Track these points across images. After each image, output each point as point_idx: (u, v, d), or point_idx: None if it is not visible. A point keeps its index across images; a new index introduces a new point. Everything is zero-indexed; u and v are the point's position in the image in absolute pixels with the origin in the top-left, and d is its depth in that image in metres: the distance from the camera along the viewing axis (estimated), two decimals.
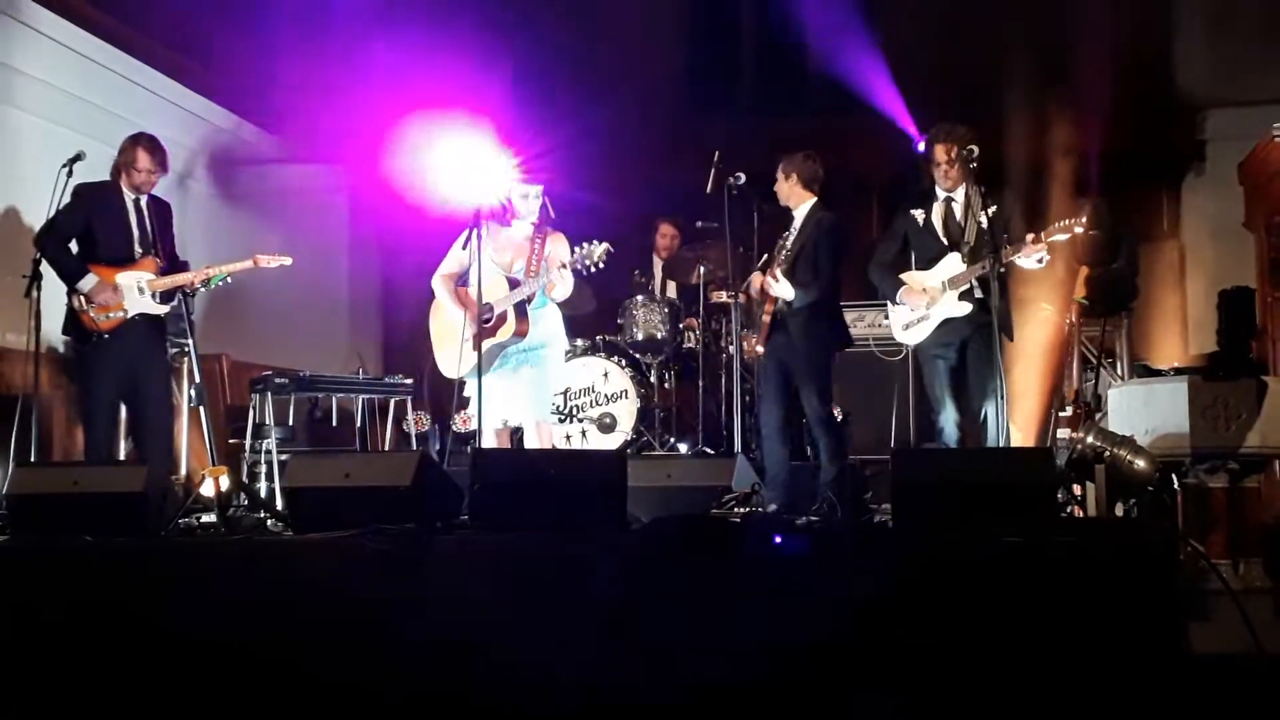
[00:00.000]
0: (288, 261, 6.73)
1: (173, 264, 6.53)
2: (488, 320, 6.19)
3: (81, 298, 6.23)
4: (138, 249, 6.41)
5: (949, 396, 6.21)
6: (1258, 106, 9.16)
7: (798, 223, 6.58)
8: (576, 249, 6.17)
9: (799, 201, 6.60)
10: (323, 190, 10.74)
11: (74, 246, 6.37)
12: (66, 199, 6.26)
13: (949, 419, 6.20)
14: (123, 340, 6.31)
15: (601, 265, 6.15)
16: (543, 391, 6.39)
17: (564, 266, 6.15)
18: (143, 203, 6.47)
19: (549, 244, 6.31)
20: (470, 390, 6.33)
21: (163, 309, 6.41)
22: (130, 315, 6.30)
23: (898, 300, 6.33)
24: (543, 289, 6.23)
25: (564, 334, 6.57)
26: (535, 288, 6.19)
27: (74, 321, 6.30)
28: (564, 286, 6.24)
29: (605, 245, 6.13)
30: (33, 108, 8.73)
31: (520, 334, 6.21)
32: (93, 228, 6.36)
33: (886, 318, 6.75)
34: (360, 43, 9.83)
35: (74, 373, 6.51)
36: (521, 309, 6.21)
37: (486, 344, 6.14)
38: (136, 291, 6.31)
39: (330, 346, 10.00)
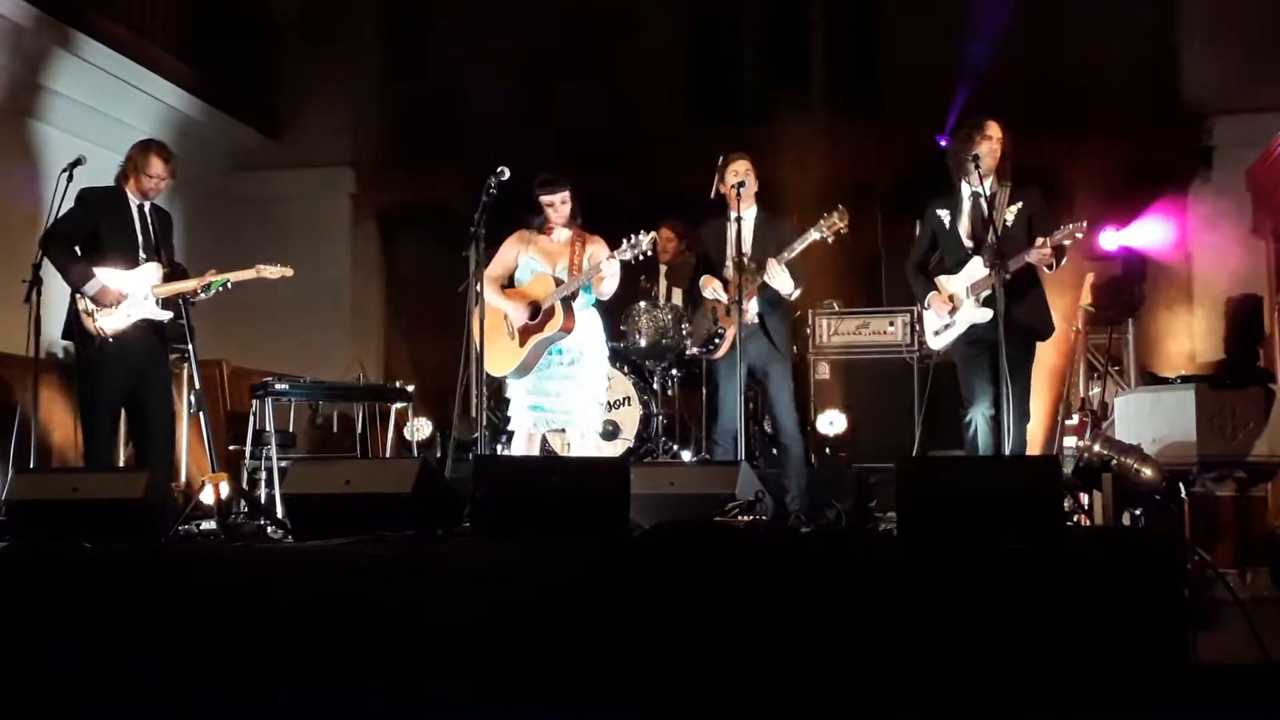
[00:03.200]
0: (289, 272, 6.73)
1: (173, 271, 6.51)
2: (536, 315, 6.27)
3: (87, 301, 6.21)
4: (142, 254, 6.38)
5: (983, 394, 6.09)
6: (1265, 114, 9.15)
7: (749, 224, 6.61)
8: (625, 240, 6.26)
9: (750, 204, 6.64)
10: (324, 195, 10.74)
11: (78, 250, 6.35)
12: (68, 203, 6.24)
13: (980, 413, 6.09)
14: (125, 345, 6.27)
15: (650, 253, 6.31)
16: (590, 401, 6.47)
17: (611, 256, 6.24)
18: (146, 209, 6.46)
19: (589, 246, 6.40)
20: (509, 390, 6.41)
21: (165, 315, 6.38)
22: (133, 320, 6.28)
23: (926, 305, 6.26)
24: (588, 287, 6.32)
25: (604, 342, 6.63)
26: (579, 284, 6.28)
27: (76, 325, 6.26)
28: (612, 280, 6.31)
29: (652, 235, 6.27)
30: (36, 113, 8.75)
31: (566, 329, 6.27)
32: (99, 232, 6.32)
33: (891, 324, 6.72)
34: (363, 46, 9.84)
35: (75, 377, 6.48)
36: (568, 305, 6.29)
37: (533, 340, 6.26)
38: (140, 296, 6.29)
39: (331, 353, 9.99)
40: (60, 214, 6.26)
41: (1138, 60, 9.74)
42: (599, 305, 6.54)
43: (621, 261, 6.27)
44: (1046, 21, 9.91)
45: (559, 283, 6.30)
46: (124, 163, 6.42)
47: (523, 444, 6.36)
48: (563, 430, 6.58)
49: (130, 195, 6.39)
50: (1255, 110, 9.40)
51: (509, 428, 6.50)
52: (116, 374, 6.29)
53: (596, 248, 6.39)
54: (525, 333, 6.28)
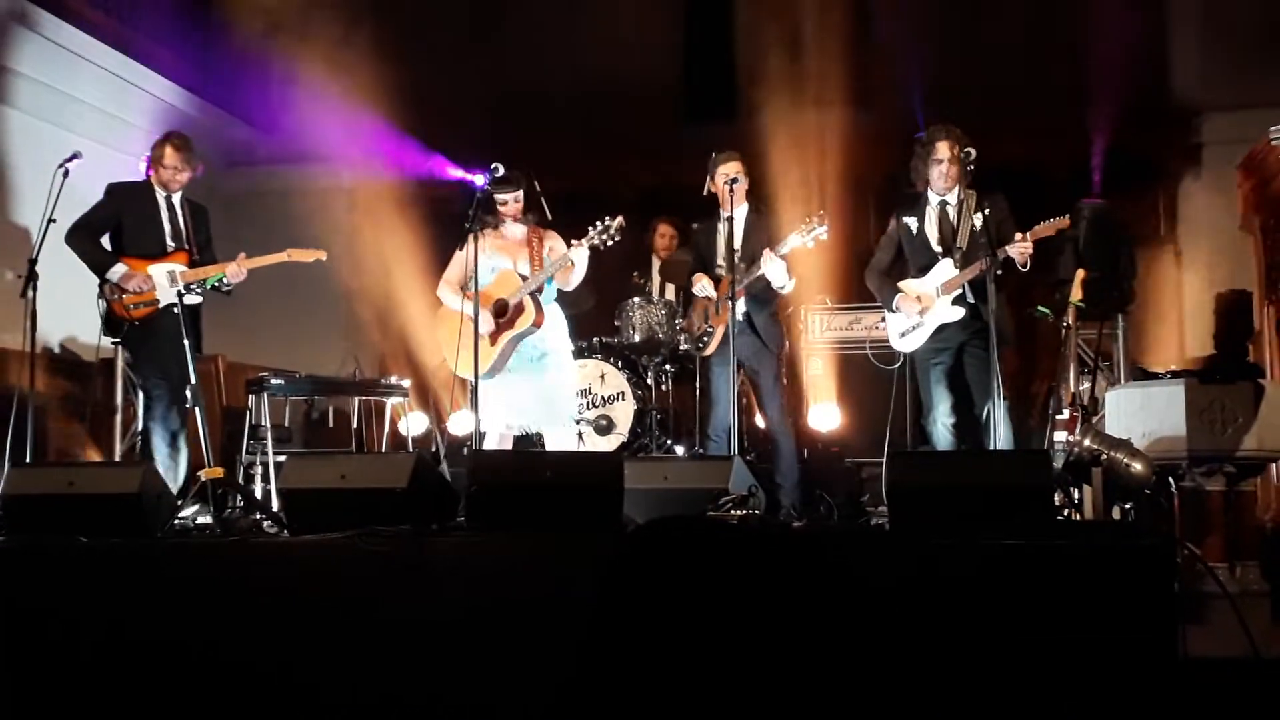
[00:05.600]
0: (323, 255, 6.76)
1: (204, 261, 6.59)
2: (504, 314, 6.29)
3: (113, 286, 6.30)
4: (170, 243, 6.53)
5: (941, 400, 6.23)
6: (1254, 110, 9.17)
7: (740, 223, 6.66)
8: (591, 228, 6.31)
9: (741, 203, 6.68)
10: (319, 191, 10.72)
11: (104, 242, 6.46)
12: (65, 198, 6.25)
13: (939, 421, 6.22)
14: (155, 329, 6.38)
15: (618, 239, 6.34)
16: (561, 400, 6.51)
17: (579, 243, 6.27)
18: (175, 200, 6.59)
19: (546, 240, 6.47)
20: (481, 390, 6.38)
21: (195, 299, 6.47)
22: (162, 305, 6.37)
23: (894, 308, 6.35)
24: (550, 280, 6.36)
25: (569, 338, 6.66)
26: (543, 278, 6.33)
27: (106, 315, 6.40)
28: (580, 268, 6.35)
29: (619, 219, 6.31)
30: (30, 108, 8.74)
31: (538, 324, 6.33)
32: (124, 224, 6.49)
33: (883, 320, 6.75)
34: (357, 43, 9.82)
35: (129, 367, 6.69)
36: (536, 299, 6.34)
37: (505, 337, 6.29)
38: (168, 282, 6.37)
39: (326, 348, 10.00)
40: (89, 207, 6.41)
41: (1127, 56, 9.74)
42: (561, 302, 6.58)
43: (590, 247, 6.31)
44: (1037, 18, 9.94)
45: (523, 278, 6.33)
46: (149, 153, 6.58)
47: (494, 444, 6.36)
48: (537, 434, 6.62)
49: (156, 188, 6.53)
50: (1244, 107, 9.43)
51: (481, 428, 6.50)
52: (158, 351, 6.39)
53: (555, 242, 6.45)
54: (496, 331, 6.30)
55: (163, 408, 6.40)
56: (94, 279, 6.42)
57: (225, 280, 6.50)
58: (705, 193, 6.79)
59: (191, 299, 6.44)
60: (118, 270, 6.33)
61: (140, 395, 6.60)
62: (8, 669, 4.35)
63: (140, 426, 6.60)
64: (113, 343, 6.63)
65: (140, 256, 6.41)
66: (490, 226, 6.42)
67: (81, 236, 6.38)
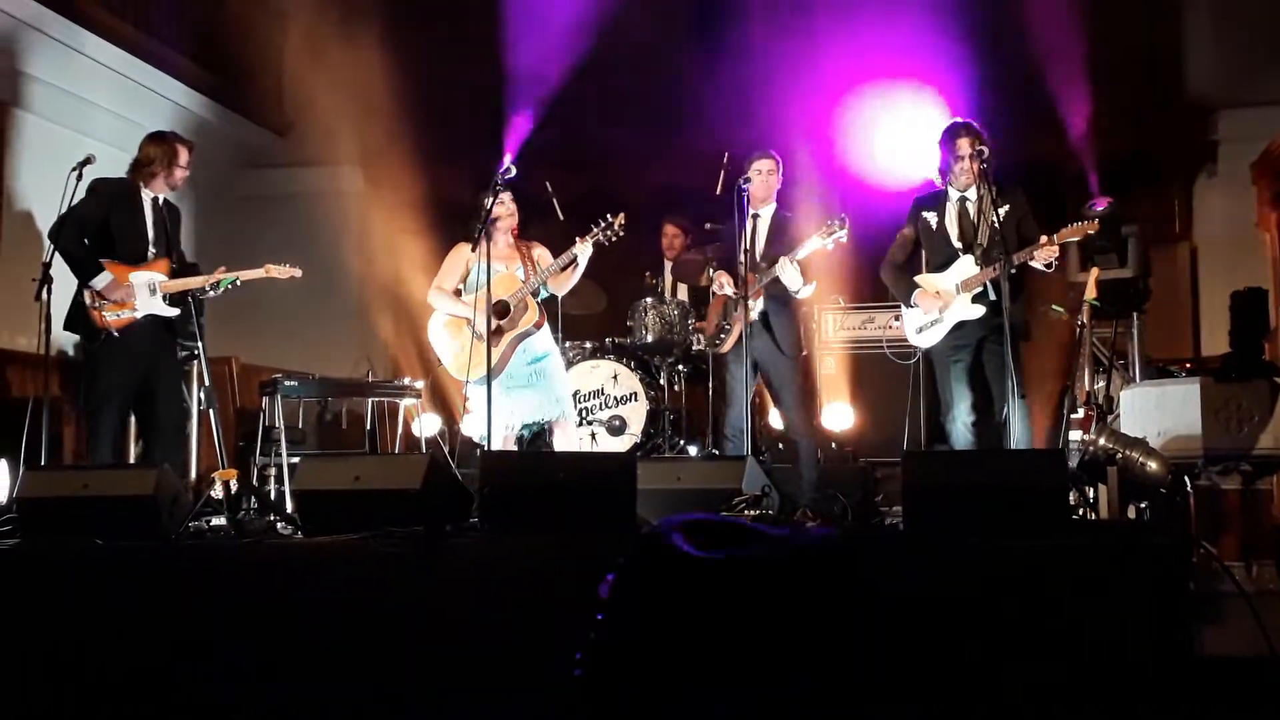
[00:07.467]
0: (298, 273, 6.72)
1: (183, 268, 6.51)
2: (505, 314, 6.32)
3: (94, 294, 6.20)
4: (152, 249, 6.37)
5: (961, 398, 6.19)
6: (1270, 107, 9.15)
7: (766, 222, 6.65)
8: (594, 224, 6.36)
9: (770, 200, 6.67)
10: (333, 193, 10.75)
11: (87, 242, 6.35)
12: (72, 201, 6.23)
13: (959, 420, 6.19)
14: (131, 340, 6.26)
15: (622, 233, 6.36)
16: (561, 392, 6.58)
17: (583, 240, 6.32)
18: (161, 202, 6.45)
19: (534, 250, 6.55)
20: (482, 393, 6.38)
21: (172, 311, 6.35)
22: (140, 316, 6.27)
23: (912, 303, 6.32)
24: (543, 284, 6.43)
25: (553, 340, 6.74)
26: (539, 281, 6.40)
27: (82, 319, 6.23)
28: (582, 264, 6.39)
29: (621, 216, 6.35)
30: (44, 112, 8.77)
31: (539, 325, 6.40)
32: (109, 223, 6.31)
33: (897, 319, 6.73)
34: (369, 42, 9.85)
35: (81, 370, 6.46)
36: (535, 300, 6.39)
37: (507, 337, 6.33)
38: (148, 292, 6.27)
39: (340, 349, 10.02)
40: (71, 205, 6.23)
41: (1143, 53, 9.72)
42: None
43: (594, 244, 6.35)
44: (1050, 15, 9.90)
45: (521, 281, 6.39)
46: (143, 157, 6.40)
47: (498, 447, 6.34)
48: (541, 432, 6.67)
49: (144, 190, 6.39)
50: (1260, 104, 9.41)
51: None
52: (122, 369, 6.27)
53: (542, 251, 6.53)
54: (498, 333, 6.31)
55: (96, 441, 6.27)
56: None
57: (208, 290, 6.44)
58: (717, 191, 6.79)
59: (170, 310, 6.34)
60: (103, 279, 6.18)
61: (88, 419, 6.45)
62: (22, 671, 4.36)
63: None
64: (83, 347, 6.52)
65: (123, 261, 6.27)
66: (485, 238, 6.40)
67: (70, 236, 6.21)
